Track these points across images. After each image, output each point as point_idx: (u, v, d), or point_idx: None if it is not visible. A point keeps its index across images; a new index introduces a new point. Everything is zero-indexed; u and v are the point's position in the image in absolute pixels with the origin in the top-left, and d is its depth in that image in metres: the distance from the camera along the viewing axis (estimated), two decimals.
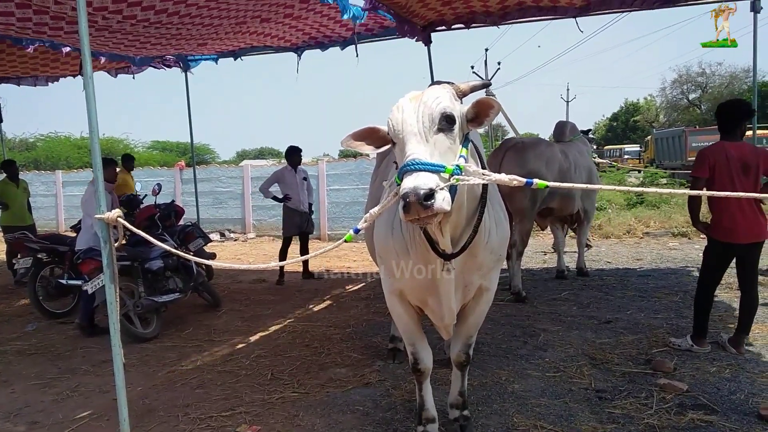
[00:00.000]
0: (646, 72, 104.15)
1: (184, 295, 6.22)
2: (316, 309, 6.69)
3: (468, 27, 7.45)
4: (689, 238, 10.69)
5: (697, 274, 6.95)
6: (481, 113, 2.45)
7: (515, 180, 2.31)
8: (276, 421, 3.68)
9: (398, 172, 2.24)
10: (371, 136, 2.55)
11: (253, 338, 5.62)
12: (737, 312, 4.67)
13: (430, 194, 2.05)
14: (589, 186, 2.97)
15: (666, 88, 47.18)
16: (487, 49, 33.68)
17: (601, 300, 6.39)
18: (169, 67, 8.50)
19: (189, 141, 10.41)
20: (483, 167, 2.61)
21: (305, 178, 8.46)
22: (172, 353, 5.24)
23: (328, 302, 6.99)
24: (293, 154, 8.42)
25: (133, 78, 8.73)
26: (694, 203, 4.59)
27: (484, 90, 2.89)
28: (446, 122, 2.28)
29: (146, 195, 7.32)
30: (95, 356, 5.18)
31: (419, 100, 2.31)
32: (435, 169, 2.15)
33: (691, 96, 45.66)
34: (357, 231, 2.54)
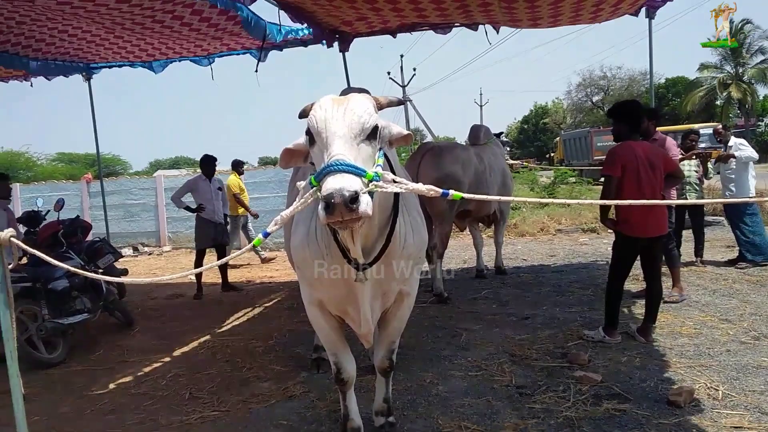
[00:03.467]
0: (554, 76, 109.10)
1: (93, 315, 5.87)
2: (236, 322, 6.50)
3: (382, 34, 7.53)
4: (598, 234, 11.23)
5: (606, 267, 7.32)
6: (395, 143, 2.54)
7: (432, 191, 2.32)
8: None
9: (318, 172, 2.18)
10: (293, 155, 2.53)
11: (169, 357, 5.38)
12: (644, 302, 4.94)
13: (356, 197, 2.02)
14: (502, 198, 3.03)
15: (571, 91, 49.69)
16: (402, 56, 34.27)
17: (518, 297, 6.57)
18: (67, 75, 8.05)
19: (95, 152, 9.88)
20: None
21: (220, 188, 8.25)
22: (81, 378, 4.93)
23: (249, 314, 6.81)
24: (207, 164, 8.16)
25: (31, 86, 8.20)
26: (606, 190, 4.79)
27: (399, 103, 2.91)
28: (372, 133, 2.30)
29: (48, 211, 6.86)
30: None
31: (345, 106, 2.29)
32: (359, 172, 2.12)
33: (595, 98, 48.28)
34: (266, 235, 2.45)
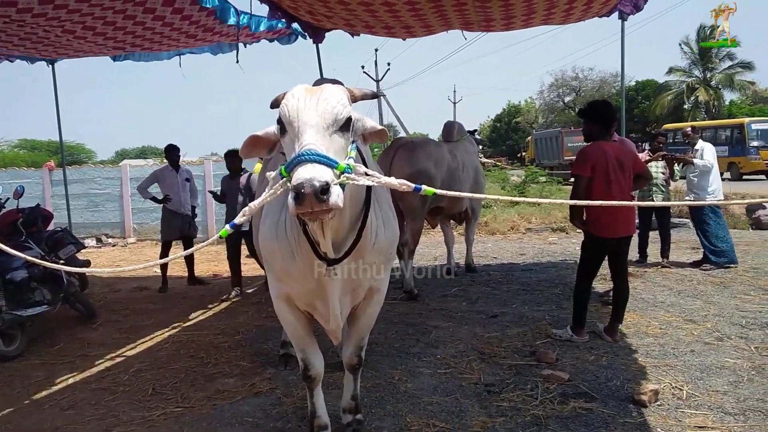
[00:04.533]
0: (527, 75, 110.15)
1: (53, 307, 5.69)
2: (203, 316, 6.38)
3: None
4: (567, 233, 11.35)
5: (575, 267, 7.40)
6: (369, 138, 2.49)
7: (404, 185, 2.27)
8: None
9: (288, 162, 2.11)
10: (258, 143, 2.45)
11: (132, 351, 5.24)
12: (611, 302, 4.99)
13: (326, 188, 1.96)
14: (474, 196, 3.01)
15: (544, 91, 50.23)
16: (377, 50, 33.93)
17: (488, 295, 6.59)
18: (31, 62, 7.79)
19: (58, 139, 9.60)
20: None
21: (188, 179, 8.03)
22: (40, 372, 4.77)
23: (216, 309, 6.69)
24: (170, 153, 7.93)
25: None
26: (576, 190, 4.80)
27: (373, 95, 2.85)
28: (345, 124, 2.24)
29: (8, 198, 6.63)
30: None
31: (318, 96, 2.23)
32: (330, 163, 2.07)
33: (566, 99, 48.89)
34: (233, 226, 2.36)
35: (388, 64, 39.21)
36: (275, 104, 2.41)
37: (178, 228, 7.86)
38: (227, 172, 7.33)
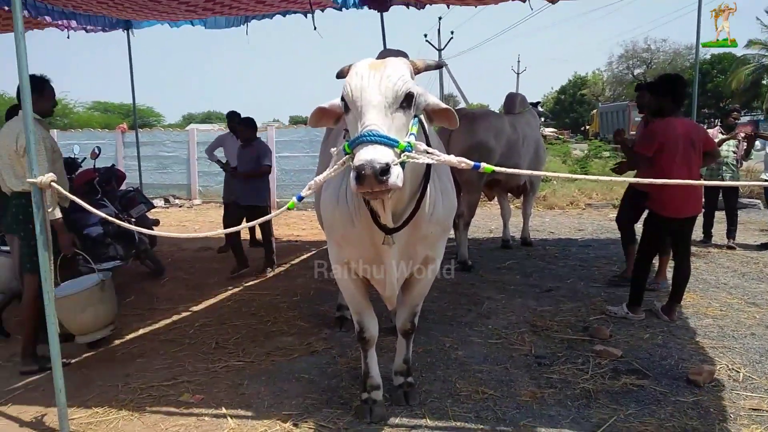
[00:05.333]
0: (595, 46, 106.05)
1: (125, 262, 6.05)
2: (262, 277, 6.62)
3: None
4: None
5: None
6: (436, 118, 2.50)
7: (464, 163, 2.31)
8: (220, 390, 3.65)
9: (351, 140, 2.21)
10: (324, 115, 2.53)
11: (197, 307, 5.54)
12: (670, 281, 4.89)
13: (386, 169, 2.04)
14: (533, 173, 2.98)
15: (613, 62, 48.19)
16: (440, 18, 33.40)
17: (543, 269, 6.56)
18: (106, 30, 8.08)
19: (132, 102, 10.00)
20: (428, 144, 2.61)
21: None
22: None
23: (275, 271, 6.93)
24: (231, 119, 7.99)
25: (68, 38, 8.27)
26: (636, 168, 4.71)
27: (437, 66, 2.87)
28: (406, 101, 2.28)
29: (85, 158, 7.00)
30: None
31: (381, 73, 2.27)
32: (391, 143, 2.13)
33: (636, 71, 46.81)
34: (300, 198, 2.50)
35: (452, 33, 38.47)
36: (341, 75, 2.48)
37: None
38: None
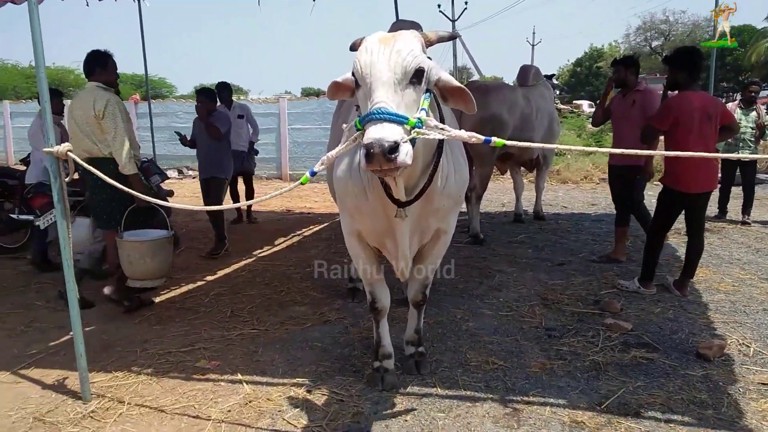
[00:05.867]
0: (612, 18, 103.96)
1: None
2: (276, 248, 6.70)
3: None
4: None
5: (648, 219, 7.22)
6: (450, 98, 2.46)
7: (474, 137, 2.30)
8: (235, 357, 3.73)
9: (361, 117, 2.21)
10: (340, 88, 2.53)
11: (212, 276, 5.62)
12: (683, 256, 4.89)
13: (395, 147, 2.04)
14: (544, 145, 3.00)
15: (630, 34, 47.35)
16: None
17: (555, 243, 6.57)
18: None
19: (144, 73, 10.00)
20: (441, 118, 2.60)
21: (241, 116, 7.81)
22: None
23: (288, 242, 7.00)
24: (221, 90, 7.73)
25: (87, 5, 8.25)
26: (648, 141, 4.69)
27: (450, 38, 2.85)
28: (417, 76, 2.26)
29: None
30: (49, 292, 5.10)
31: (391, 47, 2.25)
32: (400, 120, 2.13)
33: (654, 43, 45.97)
34: (313, 173, 2.52)
35: (465, 3, 37.80)
36: (354, 48, 2.47)
37: (235, 164, 7.54)
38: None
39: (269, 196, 3.16)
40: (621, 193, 5.59)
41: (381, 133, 2.07)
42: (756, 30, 38.34)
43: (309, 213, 9.08)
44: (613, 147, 5.74)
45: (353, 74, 2.36)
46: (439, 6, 28.86)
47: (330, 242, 6.86)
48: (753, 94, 7.41)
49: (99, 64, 4.46)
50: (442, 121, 2.50)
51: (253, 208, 8.58)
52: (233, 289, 5.17)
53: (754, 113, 7.27)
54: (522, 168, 7.99)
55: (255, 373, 3.50)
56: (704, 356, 3.55)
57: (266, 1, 8.23)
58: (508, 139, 2.51)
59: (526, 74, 7.31)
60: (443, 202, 2.92)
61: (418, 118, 2.21)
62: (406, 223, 2.79)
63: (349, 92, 2.52)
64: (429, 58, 2.41)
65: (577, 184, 11.52)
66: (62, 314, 4.34)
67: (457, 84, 2.46)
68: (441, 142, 2.67)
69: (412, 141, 2.18)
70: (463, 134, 2.32)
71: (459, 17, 31.19)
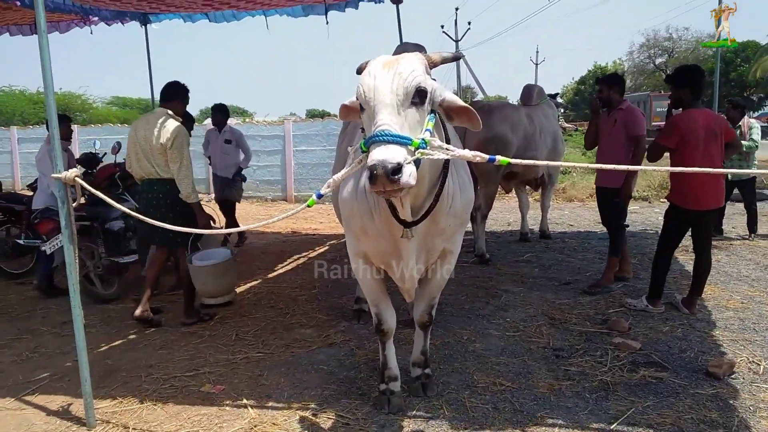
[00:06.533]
0: (616, 35, 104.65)
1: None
2: (281, 270, 6.69)
3: None
4: (650, 202, 10.95)
5: (655, 237, 7.17)
6: (456, 117, 2.47)
7: (478, 156, 2.31)
8: (240, 381, 3.71)
9: (366, 140, 2.23)
10: (350, 111, 2.57)
11: (215, 300, 5.59)
12: (691, 273, 4.85)
13: (398, 168, 2.05)
14: (548, 163, 3.01)
15: (634, 52, 47.57)
16: (457, 9, 33.28)
17: (562, 262, 6.54)
18: (124, 23, 8.17)
19: (149, 97, 10.09)
20: (447, 138, 2.61)
21: (228, 141, 7.64)
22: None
23: (293, 264, 6.99)
24: (214, 113, 7.72)
25: (91, 33, 8.39)
26: (654, 159, 4.69)
27: (454, 59, 2.87)
28: (419, 97, 2.27)
29: (105, 153, 7.10)
30: (55, 317, 5.11)
31: (393, 70, 2.27)
32: (403, 141, 2.14)
33: (658, 60, 46.17)
34: (320, 196, 2.54)
35: (469, 23, 38.37)
36: (360, 71, 2.50)
37: (219, 189, 7.77)
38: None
39: (276, 219, 3.17)
40: (609, 215, 5.50)
41: (384, 154, 2.07)
42: (760, 45, 38.42)
43: (314, 234, 9.07)
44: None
45: (357, 98, 2.38)
46: (442, 27, 29.30)
47: (335, 263, 6.84)
48: (738, 114, 7.40)
49: (179, 95, 4.79)
50: (447, 141, 2.50)
51: (259, 230, 8.57)
52: (238, 312, 5.15)
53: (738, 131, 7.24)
54: (527, 187, 7.97)
55: (260, 397, 3.48)
56: (714, 375, 3.51)
57: (273, 25, 8.28)
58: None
59: (530, 93, 7.33)
60: (449, 222, 2.92)
61: (422, 139, 2.22)
62: (412, 243, 2.79)
63: (358, 114, 2.53)
64: (433, 79, 2.43)
65: (582, 202, 11.48)
66: (67, 339, 4.35)
67: (462, 103, 2.47)
68: (447, 162, 2.67)
69: (416, 162, 2.18)
70: (468, 153, 2.33)
71: (462, 37, 31.57)
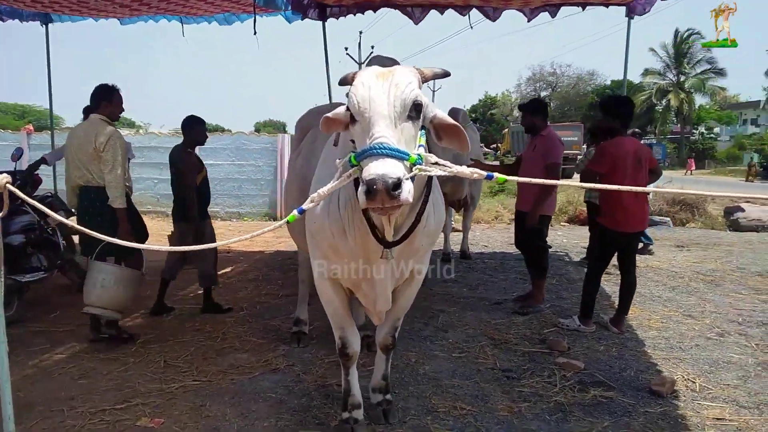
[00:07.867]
0: (507, 69, 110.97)
1: (50, 273, 5.53)
2: (198, 291, 6.26)
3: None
4: (552, 226, 11.47)
5: (566, 258, 7.53)
6: (444, 136, 2.37)
7: (476, 173, 2.25)
8: (181, 412, 3.37)
9: (359, 152, 2.09)
10: (332, 123, 2.36)
11: (134, 322, 5.14)
12: (613, 295, 5.08)
13: (398, 183, 1.94)
14: (545, 181, 2.97)
15: (521, 84, 50.69)
16: (361, 32, 33.76)
17: (487, 282, 6.66)
18: (23, 21, 7.45)
19: (34, 103, 9.26)
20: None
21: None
22: (41, 339, 4.65)
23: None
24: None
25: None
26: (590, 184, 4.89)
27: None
28: (415, 111, 2.18)
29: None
30: None
31: (389, 81, 2.16)
32: (401, 156, 2.03)
33: (543, 93, 49.37)
34: (301, 211, 2.33)
35: (372, 47, 38.78)
36: (344, 82, 2.37)
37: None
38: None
39: (238, 239, 2.92)
40: (524, 239, 5.61)
41: (384, 168, 1.96)
42: (633, 84, 42.17)
43: (228, 252, 8.63)
44: (517, 192, 5.90)
45: (348, 109, 2.24)
46: (346, 48, 29.47)
47: (258, 282, 6.54)
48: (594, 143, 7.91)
49: (105, 98, 4.59)
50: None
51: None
52: (161, 336, 4.74)
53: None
54: (451, 208, 8.08)
55: (207, 430, 3.19)
56: (658, 393, 3.65)
57: (189, 32, 7.83)
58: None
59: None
60: (422, 242, 2.84)
61: (418, 155, 2.13)
62: (387, 264, 2.67)
63: (342, 125, 2.38)
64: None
65: (489, 224, 11.86)
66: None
67: (452, 121, 2.39)
68: (430, 179, 2.60)
69: (412, 179, 2.08)
70: (466, 170, 2.25)
71: (366, 61, 31.91)
